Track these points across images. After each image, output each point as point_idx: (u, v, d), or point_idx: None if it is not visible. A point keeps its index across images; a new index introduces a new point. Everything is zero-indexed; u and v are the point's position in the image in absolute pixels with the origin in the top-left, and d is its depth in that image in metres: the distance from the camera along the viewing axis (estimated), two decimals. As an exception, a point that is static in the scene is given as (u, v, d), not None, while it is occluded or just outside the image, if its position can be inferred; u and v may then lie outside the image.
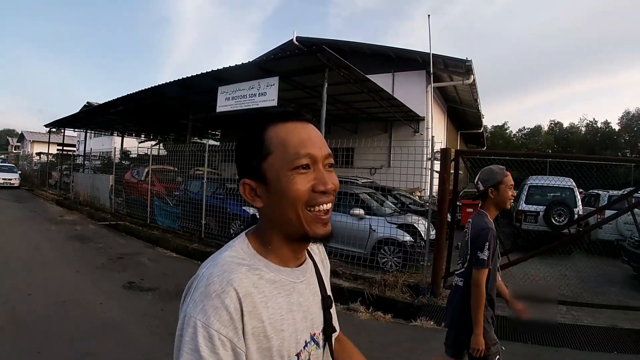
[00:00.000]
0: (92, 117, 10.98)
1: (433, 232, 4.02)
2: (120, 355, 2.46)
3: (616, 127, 26.80)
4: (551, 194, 6.66)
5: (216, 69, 5.99)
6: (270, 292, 0.54)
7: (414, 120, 9.92)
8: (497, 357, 1.63)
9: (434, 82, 10.23)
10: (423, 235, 4.37)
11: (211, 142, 14.62)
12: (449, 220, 3.92)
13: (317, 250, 0.71)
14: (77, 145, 20.62)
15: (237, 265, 0.53)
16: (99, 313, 3.08)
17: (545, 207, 6.32)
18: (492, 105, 59.79)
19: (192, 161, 6.65)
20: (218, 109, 6.20)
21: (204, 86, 6.65)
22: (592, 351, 2.73)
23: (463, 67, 9.54)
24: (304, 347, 0.58)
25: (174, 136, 15.48)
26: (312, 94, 7.04)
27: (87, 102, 19.54)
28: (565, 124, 29.79)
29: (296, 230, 0.55)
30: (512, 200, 1.68)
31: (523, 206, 6.58)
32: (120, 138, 14.88)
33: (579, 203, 6.51)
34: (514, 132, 31.29)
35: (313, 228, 0.55)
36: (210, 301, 0.49)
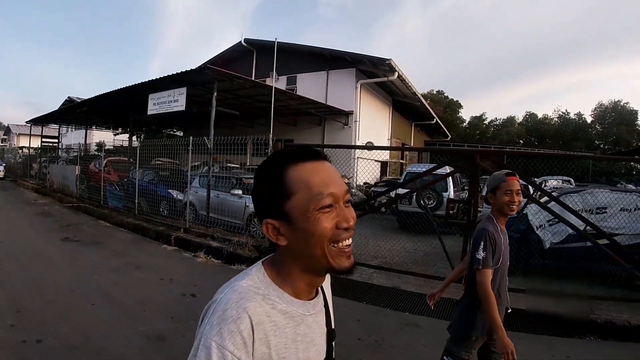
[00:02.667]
0: (63, 115, 13.34)
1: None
2: (43, 266, 4.70)
3: (589, 119, 28.34)
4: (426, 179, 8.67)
5: (147, 80, 8.17)
6: (280, 322, 0.62)
7: (342, 114, 11.93)
8: None
9: (367, 79, 12.21)
10: None
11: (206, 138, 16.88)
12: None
13: (326, 284, 0.79)
14: (59, 138, 23.25)
15: (253, 294, 0.62)
16: (41, 250, 5.33)
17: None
18: (480, 96, 62.65)
19: (155, 153, 8.64)
20: (149, 112, 8.39)
21: (140, 93, 8.83)
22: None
23: (386, 65, 11.46)
24: None
25: (145, 129, 17.79)
26: (226, 96, 9.16)
27: (68, 97, 21.98)
28: (540, 116, 31.40)
29: (321, 265, 0.63)
30: (513, 206, 1.69)
31: (400, 190, 8.63)
32: (98, 131, 17.34)
33: (450, 188, 8.48)
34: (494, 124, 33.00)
35: (338, 262, 0.63)
36: (227, 325, 0.57)
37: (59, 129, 15.99)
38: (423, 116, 17.69)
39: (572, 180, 10.55)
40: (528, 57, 73.61)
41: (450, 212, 7.70)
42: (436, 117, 18.11)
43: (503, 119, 32.29)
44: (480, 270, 1.65)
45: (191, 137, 6.75)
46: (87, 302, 3.52)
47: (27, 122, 15.70)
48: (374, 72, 12.12)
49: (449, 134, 22.11)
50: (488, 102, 65.49)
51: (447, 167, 6.52)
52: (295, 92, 13.06)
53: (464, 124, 31.81)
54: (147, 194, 8.25)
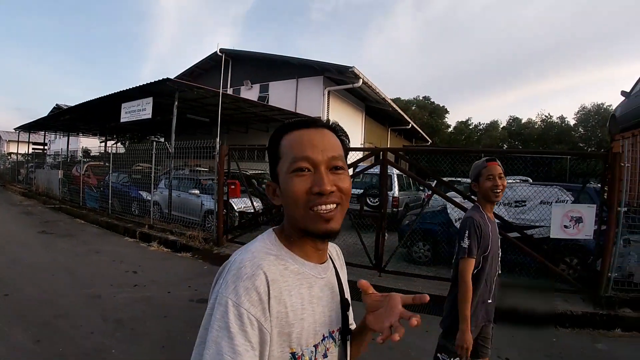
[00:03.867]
0: (49, 122, 14.53)
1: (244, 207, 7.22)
2: (20, 250, 5.79)
3: (572, 122, 29.49)
4: (374, 180, 9.74)
5: (119, 90, 9.31)
6: (293, 282, 0.65)
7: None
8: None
9: (334, 86, 13.37)
10: (235, 208, 7.57)
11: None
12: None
13: (337, 256, 0.84)
14: (48, 145, 24.50)
15: (266, 254, 0.65)
16: (20, 239, 6.43)
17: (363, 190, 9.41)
18: (468, 102, 65.32)
19: (133, 158, 9.69)
20: (121, 120, 9.53)
21: (115, 102, 9.98)
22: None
23: (350, 73, 12.57)
24: (322, 341, 0.68)
25: (129, 136, 18.98)
26: (192, 104, 10.29)
27: (56, 104, 23.24)
28: (524, 120, 32.54)
29: (301, 227, 0.67)
30: (497, 190, 1.73)
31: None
32: (85, 138, 18.56)
33: (395, 187, 9.54)
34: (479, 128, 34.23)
35: (315, 224, 0.65)
36: (242, 282, 0.59)
37: (44, 136, 17.21)
38: (399, 121, 18.79)
39: (530, 180, 11.57)
40: (516, 62, 76.01)
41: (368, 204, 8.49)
42: (411, 122, 19.19)
43: (486, 124, 33.71)
44: (464, 259, 1.69)
45: (154, 143, 7.86)
46: (50, 274, 4.61)
47: (15, 129, 16.93)
48: (341, 79, 13.24)
49: (428, 139, 23.20)
50: (475, 107, 67.68)
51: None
52: (268, 99, 14.24)
53: (449, 129, 33.05)
54: (120, 195, 9.37)
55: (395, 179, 9.80)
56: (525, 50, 76.78)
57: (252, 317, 0.58)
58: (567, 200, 4.90)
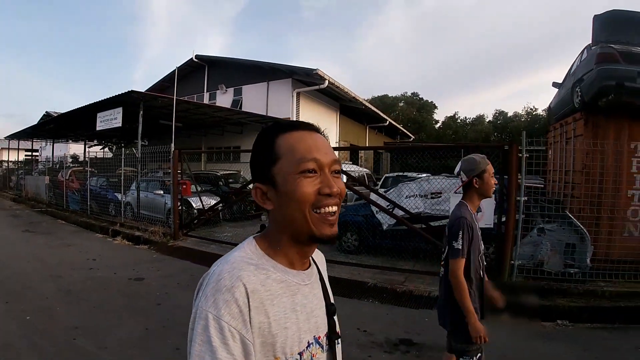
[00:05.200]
0: (36, 131, 15.83)
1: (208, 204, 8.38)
2: (4, 245, 6.98)
3: None
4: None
5: (93, 102, 10.51)
6: (276, 290, 0.66)
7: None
8: (479, 354, 1.82)
9: (303, 88, 14.46)
10: (194, 206, 8.73)
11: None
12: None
13: (320, 261, 0.86)
14: (39, 151, 25.95)
15: (246, 264, 0.66)
16: (6, 237, 7.67)
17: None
18: (457, 97, 68.47)
19: (112, 163, 10.91)
20: (97, 128, 10.74)
21: (91, 113, 11.19)
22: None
23: (314, 75, 13.63)
24: (307, 348, 0.69)
25: (115, 141, 20.24)
26: (163, 112, 11.45)
27: (46, 112, 24.63)
28: (510, 113, 33.43)
29: (303, 231, 0.67)
30: (494, 188, 1.92)
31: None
32: (74, 144, 19.91)
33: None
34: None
35: (319, 228, 0.67)
36: (221, 295, 0.60)
37: (32, 143, 18.60)
38: (377, 119, 19.83)
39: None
40: (506, 57, 76.81)
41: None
42: (389, 119, 20.23)
43: (473, 118, 34.59)
44: (457, 259, 1.80)
45: (123, 149, 9.04)
46: (25, 261, 5.83)
47: (5, 137, 18.31)
48: (310, 81, 14.33)
49: (411, 135, 24.18)
50: (465, 103, 69.03)
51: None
52: (241, 102, 15.38)
53: (438, 124, 34.05)
54: (98, 198, 10.59)
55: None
56: (517, 44, 77.57)
57: (233, 329, 0.59)
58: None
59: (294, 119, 14.26)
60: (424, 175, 7.12)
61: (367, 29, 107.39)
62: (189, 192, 8.09)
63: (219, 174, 12.00)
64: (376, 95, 35.18)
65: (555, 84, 8.19)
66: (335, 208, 0.68)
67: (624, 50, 5.11)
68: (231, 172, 12.40)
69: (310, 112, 15.21)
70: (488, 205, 4.63)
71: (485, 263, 1.99)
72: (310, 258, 0.79)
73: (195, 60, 16.00)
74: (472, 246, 1.85)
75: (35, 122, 18.02)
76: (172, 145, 7.82)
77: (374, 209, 6.05)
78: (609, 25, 5.54)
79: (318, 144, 0.69)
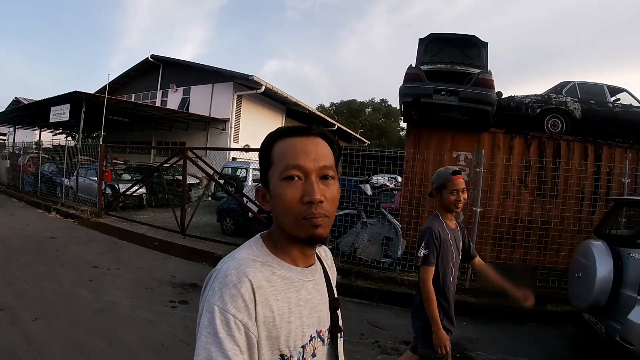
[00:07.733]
0: (1, 117, 18.17)
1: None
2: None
3: None
4: (235, 172, 13.34)
5: (48, 97, 12.92)
6: (280, 287, 0.74)
7: (220, 121, 16.62)
8: None
9: (245, 91, 16.94)
10: (120, 190, 11.24)
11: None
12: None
13: (326, 256, 0.95)
14: (7, 135, 28.17)
15: (252, 261, 0.73)
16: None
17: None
18: None
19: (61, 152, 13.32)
20: (50, 120, 13.16)
21: (46, 107, 13.60)
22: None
23: (251, 80, 16.01)
24: (309, 341, 0.77)
25: (77, 130, 22.58)
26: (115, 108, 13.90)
27: (15, 98, 26.84)
28: None
29: (291, 233, 0.75)
30: (458, 204, 1.99)
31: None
32: (43, 131, 22.19)
33: (250, 179, 12.97)
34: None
35: (303, 231, 0.73)
36: (227, 290, 0.67)
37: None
38: (328, 123, 22.34)
39: (398, 177, 15.10)
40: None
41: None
42: (337, 124, 22.75)
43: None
44: (421, 267, 1.98)
45: (67, 140, 11.50)
46: (-27, 225, 8.30)
47: (-28, 122, 20.58)
48: (250, 85, 16.77)
49: (365, 140, 26.67)
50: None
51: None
52: (189, 101, 17.83)
53: (403, 131, 36.61)
54: (49, 181, 13.05)
55: (251, 172, 13.00)
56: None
57: (238, 322, 0.66)
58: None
59: (233, 119, 16.80)
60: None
61: (349, 34, 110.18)
62: (109, 179, 10.62)
63: (156, 165, 14.49)
64: (344, 100, 37.50)
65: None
66: (320, 219, 0.72)
67: (433, 69, 5.95)
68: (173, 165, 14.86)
69: (252, 114, 17.72)
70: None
71: (458, 272, 2.14)
72: (315, 254, 0.87)
73: (150, 59, 18.39)
74: (440, 256, 2.01)
75: (4, 108, 20.35)
76: (101, 139, 10.31)
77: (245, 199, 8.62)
78: (429, 47, 6.33)
79: (307, 149, 0.74)
